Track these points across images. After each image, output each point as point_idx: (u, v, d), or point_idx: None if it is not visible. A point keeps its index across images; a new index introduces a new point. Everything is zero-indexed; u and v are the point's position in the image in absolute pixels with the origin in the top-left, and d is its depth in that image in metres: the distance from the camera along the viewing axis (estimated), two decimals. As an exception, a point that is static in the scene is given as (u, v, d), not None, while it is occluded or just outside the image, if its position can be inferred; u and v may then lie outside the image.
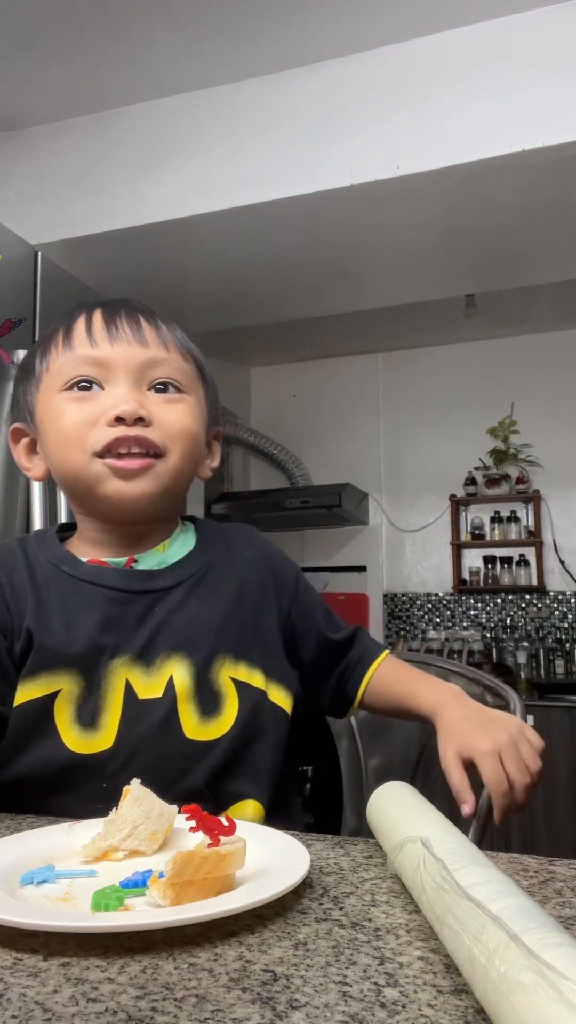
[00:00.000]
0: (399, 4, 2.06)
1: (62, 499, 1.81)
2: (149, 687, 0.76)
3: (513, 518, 3.90)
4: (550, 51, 2.04)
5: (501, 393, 4.01)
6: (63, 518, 1.80)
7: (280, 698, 0.84)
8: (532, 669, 3.72)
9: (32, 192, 2.52)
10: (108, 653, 0.76)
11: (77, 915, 0.48)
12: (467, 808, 0.71)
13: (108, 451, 0.76)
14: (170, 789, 0.69)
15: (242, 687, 0.80)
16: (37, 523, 1.74)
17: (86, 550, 0.83)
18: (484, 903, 0.38)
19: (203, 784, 0.75)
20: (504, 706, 0.99)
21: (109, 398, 0.77)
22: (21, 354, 1.81)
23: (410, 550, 4.15)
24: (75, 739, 0.74)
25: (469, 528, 4.00)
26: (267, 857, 0.54)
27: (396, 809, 0.60)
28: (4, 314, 1.80)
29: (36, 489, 1.75)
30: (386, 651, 0.91)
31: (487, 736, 0.73)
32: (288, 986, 0.39)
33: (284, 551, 0.97)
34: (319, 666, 0.92)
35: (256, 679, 0.82)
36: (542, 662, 3.71)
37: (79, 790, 0.74)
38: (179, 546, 0.86)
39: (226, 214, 2.35)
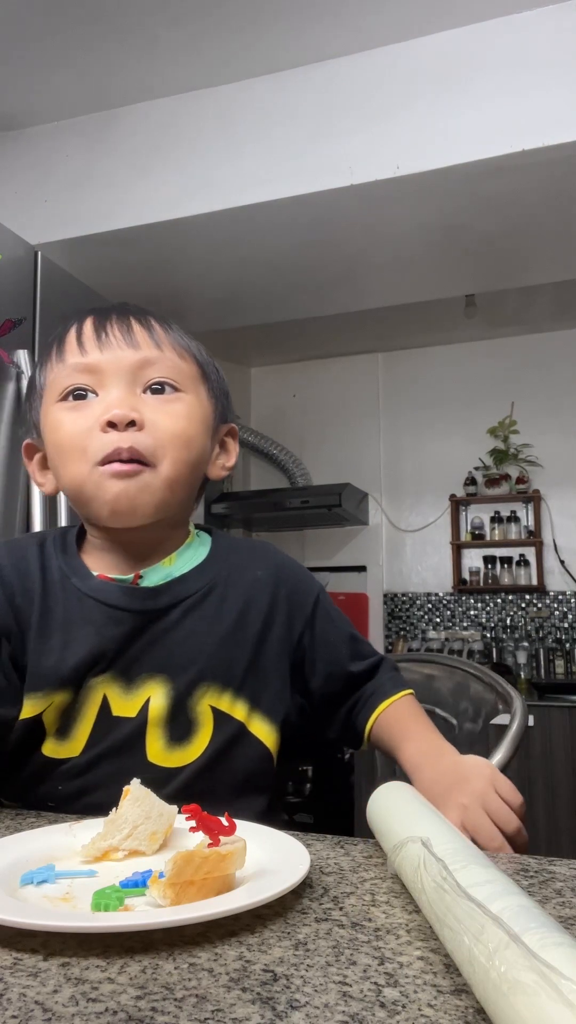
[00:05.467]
0: (399, 4, 2.06)
1: (62, 504, 1.81)
2: (125, 706, 0.77)
3: (513, 518, 3.90)
4: (550, 51, 2.04)
5: (501, 393, 4.01)
6: (63, 521, 1.80)
7: (263, 732, 0.81)
8: (532, 669, 3.72)
9: (32, 192, 2.52)
10: (95, 669, 0.77)
11: (77, 915, 0.48)
12: None
13: (107, 461, 0.75)
14: None
15: (221, 718, 0.79)
16: (36, 526, 1.74)
17: (95, 561, 0.83)
18: (484, 903, 0.38)
19: None
20: (507, 709, 0.99)
21: (102, 404, 0.76)
22: (21, 354, 1.81)
23: (410, 550, 4.15)
24: (52, 746, 0.77)
25: (469, 528, 4.00)
26: (267, 857, 0.54)
27: (396, 809, 0.60)
28: (4, 314, 1.80)
29: (36, 492, 1.75)
30: (404, 691, 0.87)
31: (451, 804, 0.67)
32: (288, 986, 0.39)
33: (287, 553, 0.94)
34: (330, 697, 0.88)
35: (238, 711, 0.80)
36: (542, 662, 3.71)
37: (38, 788, 0.77)
38: (187, 559, 0.84)
39: (226, 214, 2.35)
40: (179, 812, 0.57)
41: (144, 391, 0.78)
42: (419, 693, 1.14)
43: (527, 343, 4.06)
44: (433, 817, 0.56)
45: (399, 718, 0.84)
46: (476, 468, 4.02)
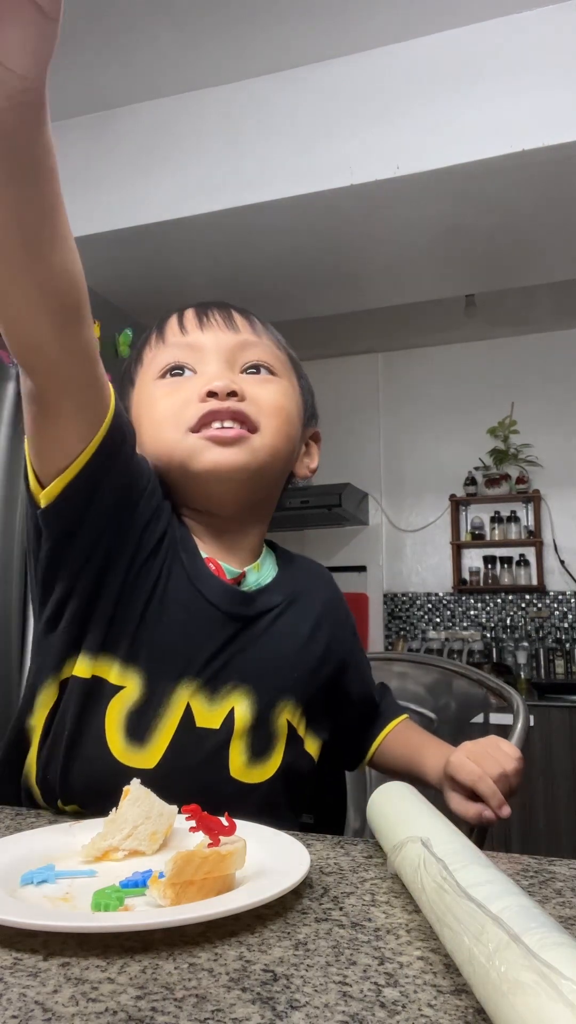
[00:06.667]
0: (399, 4, 2.06)
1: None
2: (209, 716, 0.73)
3: (513, 518, 3.90)
4: (550, 51, 2.04)
5: (501, 393, 4.01)
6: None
7: (313, 750, 0.81)
8: (532, 669, 3.71)
9: (32, 192, 2.52)
10: (179, 670, 0.72)
11: (77, 915, 0.48)
12: (492, 813, 0.70)
13: (203, 425, 0.75)
14: None
15: (292, 733, 0.78)
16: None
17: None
18: (484, 903, 0.38)
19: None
20: (506, 707, 1.00)
21: (202, 377, 0.77)
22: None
23: (410, 550, 4.15)
24: (121, 747, 0.70)
25: (469, 528, 4.00)
26: (267, 857, 0.54)
27: (396, 809, 0.59)
28: (4, 314, 1.80)
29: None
30: (404, 715, 0.92)
31: (460, 750, 0.75)
32: (288, 986, 0.39)
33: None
34: (355, 718, 0.91)
35: (301, 727, 0.80)
36: (542, 662, 3.70)
37: (110, 797, 0.67)
38: (267, 570, 0.84)
39: (226, 214, 2.35)
40: (179, 812, 0.57)
41: (241, 372, 0.79)
42: (393, 692, 1.18)
43: (527, 343, 4.05)
44: (433, 817, 0.56)
45: (409, 737, 0.88)
46: (476, 468, 4.01)
